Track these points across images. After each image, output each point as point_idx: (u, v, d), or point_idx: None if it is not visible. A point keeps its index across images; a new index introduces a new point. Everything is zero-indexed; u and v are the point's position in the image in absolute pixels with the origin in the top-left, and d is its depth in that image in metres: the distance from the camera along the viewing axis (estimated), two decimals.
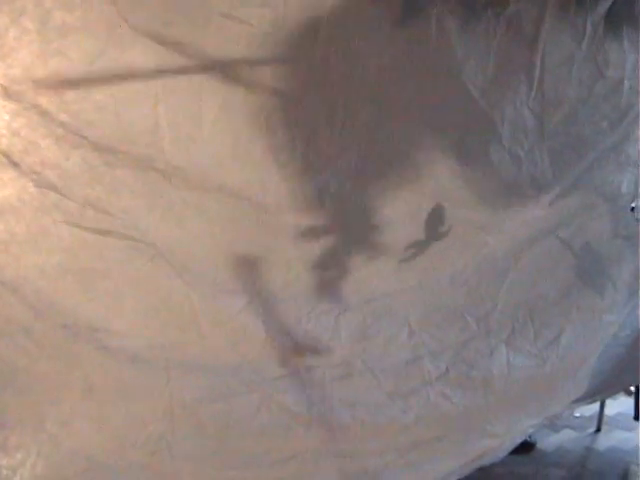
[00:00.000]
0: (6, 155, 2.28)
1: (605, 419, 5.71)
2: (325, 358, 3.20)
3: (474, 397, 3.72)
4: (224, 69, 2.60)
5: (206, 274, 2.82)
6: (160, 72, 2.47)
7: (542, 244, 3.79)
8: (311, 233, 3.00)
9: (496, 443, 3.90)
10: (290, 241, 2.98)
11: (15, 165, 2.30)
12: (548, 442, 5.42)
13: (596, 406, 5.57)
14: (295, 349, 3.10)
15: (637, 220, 4.10)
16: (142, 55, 2.44)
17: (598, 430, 5.70)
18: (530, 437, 4.87)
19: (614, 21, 3.54)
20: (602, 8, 3.44)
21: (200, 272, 2.80)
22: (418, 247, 3.31)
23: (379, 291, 3.31)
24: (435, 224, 3.32)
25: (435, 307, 3.54)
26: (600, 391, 4.62)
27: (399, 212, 3.19)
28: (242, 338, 2.97)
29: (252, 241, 2.90)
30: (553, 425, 5.30)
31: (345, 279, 3.18)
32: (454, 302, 3.60)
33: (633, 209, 4.12)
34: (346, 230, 3.11)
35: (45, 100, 2.31)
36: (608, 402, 5.62)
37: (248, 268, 2.92)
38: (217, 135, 2.66)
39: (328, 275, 3.12)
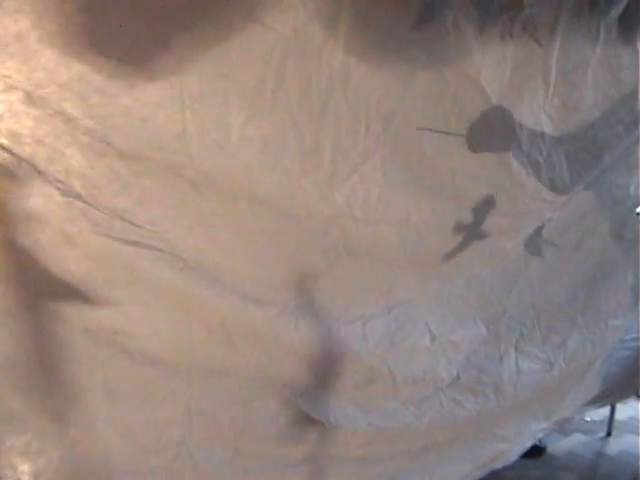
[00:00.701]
0: (31, 163, 2.26)
1: (615, 423, 5.71)
2: (352, 365, 3.21)
3: (485, 402, 3.75)
4: (249, 74, 2.59)
5: (236, 285, 2.81)
6: (187, 77, 2.45)
7: (553, 247, 3.80)
8: (340, 242, 3.02)
9: (506, 447, 3.93)
10: (319, 250, 2.99)
11: (40, 173, 2.28)
12: (558, 446, 5.42)
13: (606, 410, 5.58)
14: (327, 358, 3.11)
15: None
16: (167, 58, 2.42)
17: (609, 434, 5.70)
18: (540, 441, 4.88)
19: (627, 25, 3.54)
20: (615, 12, 3.42)
21: (230, 283, 2.78)
22: (444, 254, 3.33)
23: (401, 297, 3.33)
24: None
25: (451, 311, 3.56)
26: (609, 395, 4.64)
27: (425, 219, 3.21)
28: (273, 347, 2.97)
29: (282, 251, 2.89)
30: (563, 429, 5.30)
31: (369, 287, 3.20)
32: (468, 306, 3.61)
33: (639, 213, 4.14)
34: (373, 239, 3.12)
35: (69, 105, 2.28)
36: (618, 406, 5.63)
37: (279, 279, 2.92)
38: (245, 141, 2.64)
39: (355, 283, 3.14)
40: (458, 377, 3.62)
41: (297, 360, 3.05)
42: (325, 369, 3.14)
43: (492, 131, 3.27)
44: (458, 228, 3.31)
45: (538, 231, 3.71)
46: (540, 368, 3.96)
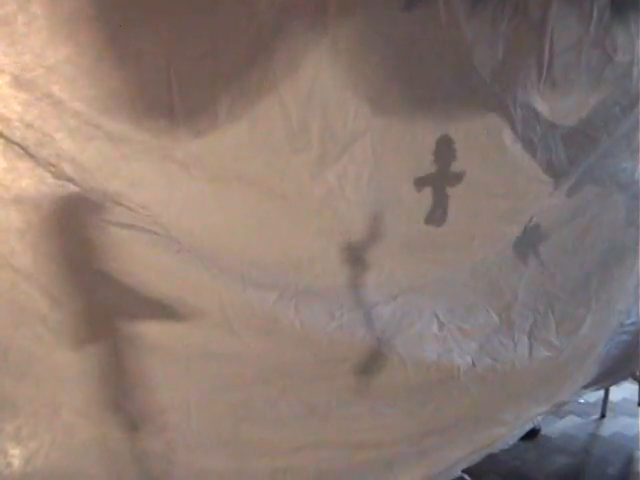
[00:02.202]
0: (22, 147, 2.24)
1: (609, 405, 5.73)
2: (358, 351, 3.21)
3: (494, 390, 3.73)
4: (236, 55, 2.57)
5: (234, 268, 2.79)
6: (174, 58, 2.44)
7: (559, 234, 3.79)
8: (333, 223, 3.01)
9: (505, 431, 3.92)
10: (314, 232, 2.98)
11: (31, 157, 2.27)
12: (552, 428, 5.43)
13: (600, 392, 5.60)
14: (329, 343, 3.10)
15: None
16: (153, 41, 2.41)
17: (602, 416, 5.72)
18: (535, 423, 4.89)
19: (621, 5, 3.53)
20: None
21: (227, 266, 2.77)
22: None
23: (404, 285, 3.32)
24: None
25: (458, 300, 3.58)
26: (606, 378, 4.65)
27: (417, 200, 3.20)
28: (273, 331, 2.96)
29: (276, 233, 2.88)
30: (558, 411, 5.30)
31: (371, 273, 3.19)
32: (476, 294, 3.61)
33: None
34: (367, 220, 3.10)
35: (57, 88, 2.27)
36: (612, 388, 5.64)
37: (276, 261, 2.91)
38: (233, 122, 2.62)
39: (354, 268, 3.12)
40: (474, 365, 3.61)
41: (298, 345, 3.03)
42: (327, 355, 3.13)
43: (485, 112, 3.25)
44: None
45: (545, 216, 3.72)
46: (551, 355, 3.96)
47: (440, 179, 3.27)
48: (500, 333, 3.71)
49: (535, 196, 3.61)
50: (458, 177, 3.30)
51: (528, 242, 3.72)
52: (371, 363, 3.26)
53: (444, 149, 3.22)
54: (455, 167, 3.28)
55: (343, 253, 3.05)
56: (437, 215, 3.31)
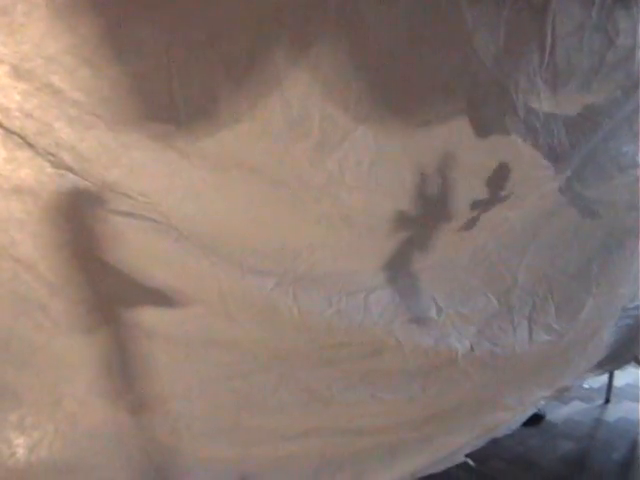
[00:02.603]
0: (21, 137, 2.25)
1: (614, 390, 5.74)
2: (356, 336, 3.21)
3: (494, 374, 3.74)
4: (237, 44, 2.57)
5: (232, 255, 2.80)
6: (172, 47, 2.43)
7: (560, 217, 3.80)
8: (333, 210, 3.01)
9: (508, 415, 3.94)
10: (313, 219, 2.98)
11: (30, 146, 2.27)
12: (557, 414, 5.44)
13: (605, 378, 5.61)
14: (327, 329, 3.11)
15: None
16: (154, 30, 2.40)
17: (607, 401, 5.72)
18: (539, 409, 4.88)
19: None
20: None
21: (226, 253, 2.78)
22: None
23: (402, 270, 3.32)
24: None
25: (457, 284, 3.58)
26: (609, 362, 4.65)
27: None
28: (272, 317, 2.97)
29: (276, 221, 2.88)
30: (562, 397, 5.31)
31: (369, 257, 3.20)
32: (475, 279, 3.63)
33: None
34: (367, 207, 3.11)
35: (57, 78, 2.26)
36: (617, 373, 5.65)
37: (275, 248, 2.92)
38: (233, 111, 2.62)
39: (353, 253, 3.13)
40: (472, 349, 3.62)
41: (296, 331, 3.04)
42: (325, 341, 3.14)
43: (487, 97, 3.25)
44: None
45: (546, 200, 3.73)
46: (552, 339, 3.97)
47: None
48: (499, 317, 3.73)
49: (536, 181, 3.60)
50: None
51: (528, 226, 3.71)
52: (369, 348, 3.27)
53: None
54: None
55: (342, 239, 3.06)
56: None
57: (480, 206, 3.40)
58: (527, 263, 3.77)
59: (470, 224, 3.41)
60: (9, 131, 2.22)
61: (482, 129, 3.28)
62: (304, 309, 3.01)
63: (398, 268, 3.30)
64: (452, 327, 3.54)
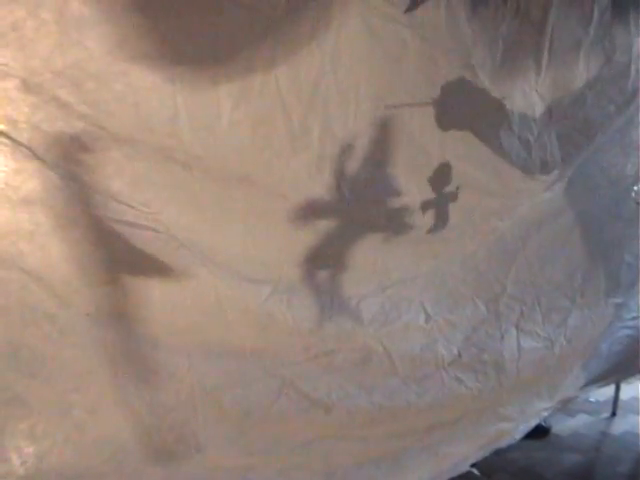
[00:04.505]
0: (29, 148, 2.31)
1: (620, 403, 5.69)
2: (347, 343, 3.26)
3: (486, 380, 3.78)
4: (240, 58, 2.63)
5: (230, 264, 2.87)
6: (177, 61, 2.50)
7: (549, 227, 3.84)
8: (330, 220, 3.06)
9: (510, 426, 3.94)
10: (310, 229, 3.03)
11: (39, 158, 2.33)
12: (563, 427, 5.41)
13: (611, 391, 5.57)
14: (319, 335, 3.15)
15: (637, 203, 4.14)
16: (159, 45, 2.46)
17: (613, 414, 5.68)
18: (545, 422, 4.89)
19: (621, 6, 3.56)
20: None
21: (224, 262, 2.84)
22: (433, 232, 3.37)
23: (395, 277, 3.38)
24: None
25: (446, 292, 3.63)
26: (612, 374, 4.65)
27: (413, 198, 3.25)
28: (267, 325, 3.02)
29: (273, 230, 2.94)
30: (568, 410, 5.30)
31: (362, 266, 3.24)
32: (464, 287, 3.67)
33: (635, 192, 4.17)
34: (363, 216, 3.17)
35: (64, 92, 2.33)
36: (623, 387, 5.61)
37: (272, 257, 2.97)
38: (235, 124, 2.69)
39: (347, 262, 3.18)
40: (460, 355, 3.67)
41: (292, 339, 3.09)
42: (319, 348, 3.18)
43: (482, 112, 3.30)
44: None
45: (536, 210, 3.76)
46: (541, 346, 4.01)
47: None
48: (487, 324, 3.77)
49: (528, 193, 3.66)
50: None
51: (518, 235, 3.75)
52: (359, 355, 3.32)
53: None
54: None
55: (338, 247, 3.12)
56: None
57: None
58: (516, 272, 3.81)
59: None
60: (18, 143, 2.29)
61: (477, 144, 3.34)
62: (297, 316, 3.08)
63: (391, 276, 3.35)
64: (439, 334, 3.59)
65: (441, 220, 3.40)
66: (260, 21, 2.63)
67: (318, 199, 3.00)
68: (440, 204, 3.37)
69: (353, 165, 3.03)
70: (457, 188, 3.37)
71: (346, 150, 2.98)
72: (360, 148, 3.02)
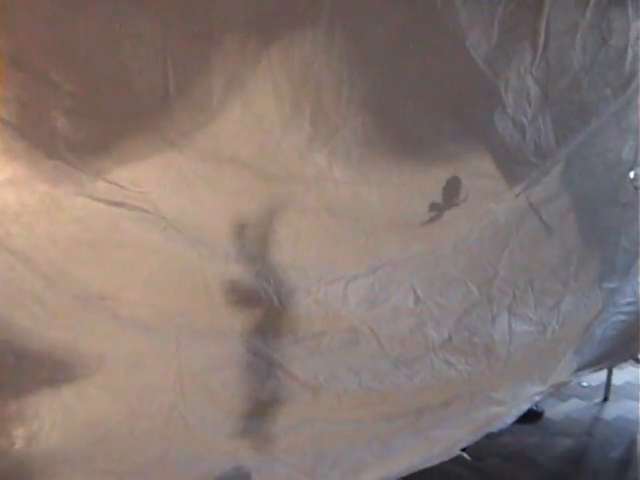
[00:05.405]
0: (17, 127, 2.29)
1: (612, 388, 5.70)
2: (334, 325, 3.24)
3: (477, 364, 3.78)
4: (232, 38, 2.60)
5: (217, 244, 2.85)
6: (169, 40, 2.47)
7: (543, 211, 3.83)
8: (319, 202, 3.05)
9: (502, 410, 3.93)
10: (299, 210, 3.02)
11: (26, 137, 2.31)
12: (555, 411, 5.42)
13: (603, 375, 5.58)
14: (306, 316, 3.14)
15: (636, 188, 4.12)
16: (150, 23, 2.44)
17: (605, 399, 5.69)
18: (537, 406, 4.90)
19: None
20: None
21: (212, 243, 2.83)
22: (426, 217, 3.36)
23: (386, 258, 3.36)
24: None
25: (438, 274, 3.61)
26: (605, 359, 4.64)
27: (405, 181, 3.23)
28: (254, 307, 3.00)
29: (262, 211, 2.92)
30: (560, 394, 5.32)
31: (353, 247, 3.23)
32: (456, 269, 3.67)
33: (633, 177, 4.15)
34: (354, 199, 3.15)
35: (54, 70, 2.31)
36: (615, 371, 5.63)
37: (258, 238, 2.95)
38: (226, 103, 2.67)
39: (337, 243, 3.17)
40: (450, 338, 3.66)
41: (277, 320, 3.09)
42: (307, 329, 3.18)
43: (477, 94, 3.28)
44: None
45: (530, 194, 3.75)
46: (533, 330, 4.00)
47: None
48: (479, 307, 3.76)
49: (522, 176, 3.63)
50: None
51: (511, 219, 3.74)
52: (347, 337, 3.31)
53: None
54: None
55: (327, 228, 3.11)
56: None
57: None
58: (509, 255, 3.79)
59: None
60: (5, 122, 2.27)
61: (470, 126, 3.33)
62: (283, 297, 3.06)
63: (381, 258, 3.34)
64: (429, 316, 3.57)
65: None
66: (254, 1, 2.61)
67: (310, 183, 2.99)
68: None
69: (345, 146, 3.01)
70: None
71: (338, 131, 2.96)
72: (352, 130, 3.00)
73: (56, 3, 2.28)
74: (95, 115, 2.43)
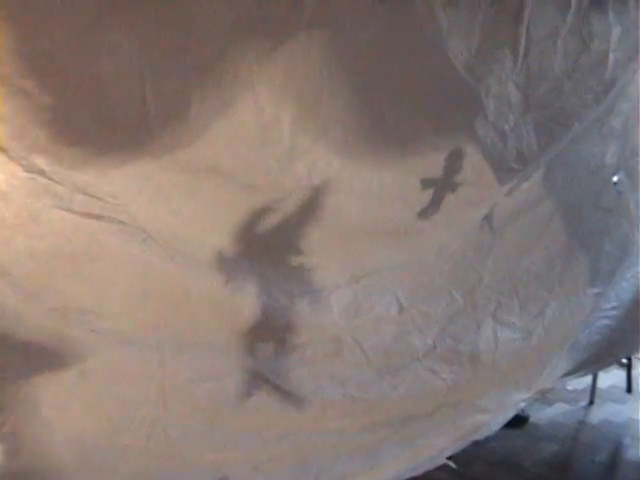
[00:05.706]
0: None
1: (597, 392, 5.74)
2: (318, 335, 3.23)
3: (462, 372, 3.78)
4: (210, 47, 2.59)
5: (198, 256, 2.83)
6: (147, 51, 2.45)
7: (527, 217, 3.83)
8: (301, 212, 3.02)
9: (488, 417, 3.93)
10: (281, 220, 2.99)
11: (3, 150, 2.28)
12: (541, 416, 5.45)
13: (588, 379, 5.61)
14: (289, 328, 3.12)
15: (619, 192, 4.14)
16: (127, 34, 2.41)
17: (591, 403, 5.73)
18: (523, 411, 4.89)
19: None
20: None
21: (192, 254, 2.80)
22: (407, 222, 3.34)
23: (369, 268, 3.34)
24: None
25: (422, 282, 3.60)
26: (590, 364, 4.65)
27: (387, 189, 3.21)
28: (236, 318, 2.99)
29: (242, 222, 2.89)
30: (546, 399, 5.33)
31: (335, 257, 3.21)
32: (440, 277, 3.66)
33: (615, 182, 4.16)
34: (335, 209, 3.12)
35: (30, 83, 2.28)
36: (600, 375, 5.66)
37: (239, 250, 2.92)
38: (205, 114, 2.65)
39: (319, 253, 3.14)
40: (434, 347, 3.66)
41: (262, 332, 3.06)
42: (290, 341, 3.15)
43: (458, 101, 3.27)
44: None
45: (513, 201, 3.75)
46: (519, 337, 4.00)
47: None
48: (463, 315, 3.75)
49: (504, 182, 3.62)
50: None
51: (495, 225, 3.73)
52: (330, 347, 3.30)
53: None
54: None
55: (310, 238, 3.09)
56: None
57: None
58: (493, 262, 3.79)
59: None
60: None
61: (452, 134, 3.32)
62: (267, 309, 3.04)
63: (364, 267, 3.32)
64: (413, 325, 3.56)
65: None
66: (233, 10, 2.58)
67: (291, 193, 2.97)
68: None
69: (325, 156, 2.99)
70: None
71: (318, 140, 2.94)
72: (332, 138, 2.98)
73: (32, 15, 2.25)
74: (72, 128, 2.40)
